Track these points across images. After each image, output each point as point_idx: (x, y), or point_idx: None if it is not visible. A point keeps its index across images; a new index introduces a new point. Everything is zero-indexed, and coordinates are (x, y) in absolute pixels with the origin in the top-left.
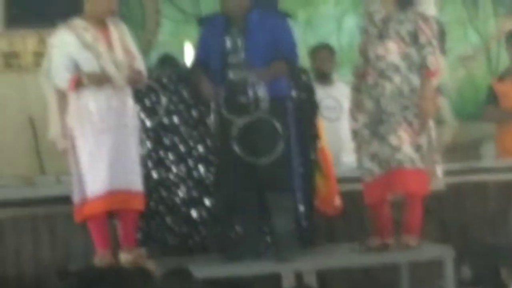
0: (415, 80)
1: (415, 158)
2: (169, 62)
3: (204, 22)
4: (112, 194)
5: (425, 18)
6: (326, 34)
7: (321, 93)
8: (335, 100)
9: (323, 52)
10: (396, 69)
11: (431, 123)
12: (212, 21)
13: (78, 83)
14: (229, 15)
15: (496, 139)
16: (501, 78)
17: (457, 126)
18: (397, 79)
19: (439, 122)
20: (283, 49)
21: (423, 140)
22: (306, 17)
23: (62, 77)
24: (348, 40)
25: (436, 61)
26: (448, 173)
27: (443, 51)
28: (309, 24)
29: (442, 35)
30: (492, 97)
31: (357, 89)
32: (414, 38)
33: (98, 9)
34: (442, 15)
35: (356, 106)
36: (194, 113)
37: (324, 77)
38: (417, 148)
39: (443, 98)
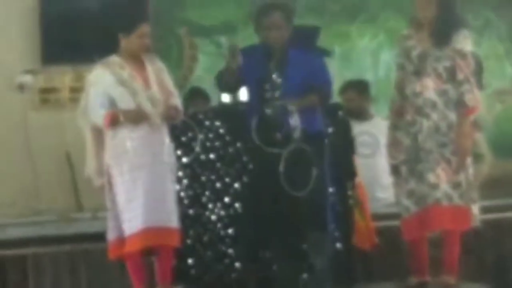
0: (452, 116)
1: (453, 195)
2: (199, 95)
3: (242, 53)
4: (149, 231)
5: (462, 55)
6: (362, 68)
7: (357, 129)
8: (371, 136)
9: (349, 91)
10: (433, 105)
11: (469, 160)
12: (251, 52)
13: (113, 120)
14: (269, 48)
15: None
16: None
17: (494, 161)
18: (434, 115)
19: (476, 157)
20: (317, 84)
21: (461, 177)
22: (342, 51)
23: (97, 114)
24: (385, 74)
25: (475, 98)
26: (486, 210)
27: (481, 86)
28: (346, 59)
29: (480, 70)
30: None
31: (394, 127)
32: (452, 74)
33: (133, 46)
34: (479, 50)
35: (393, 145)
36: (231, 149)
37: (356, 114)
38: (455, 185)
39: (479, 133)
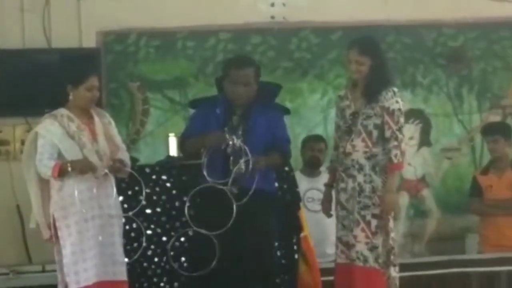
0: (378, 180)
1: (369, 257)
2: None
3: (198, 104)
4: (97, 285)
5: (390, 112)
6: (313, 124)
7: (307, 185)
8: (320, 191)
9: (321, 143)
10: (361, 168)
11: (392, 224)
12: (211, 104)
13: (62, 171)
14: (233, 102)
15: (480, 231)
16: (484, 171)
17: (441, 217)
18: (360, 178)
19: (424, 213)
20: (278, 143)
21: (378, 241)
22: (294, 107)
23: (45, 165)
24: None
25: (401, 154)
26: (432, 265)
27: (428, 143)
28: (297, 114)
29: (427, 127)
30: (476, 190)
31: (329, 185)
32: (381, 132)
33: (81, 99)
34: (427, 108)
35: (327, 201)
36: (177, 203)
37: (313, 168)
38: (372, 247)
39: (427, 189)
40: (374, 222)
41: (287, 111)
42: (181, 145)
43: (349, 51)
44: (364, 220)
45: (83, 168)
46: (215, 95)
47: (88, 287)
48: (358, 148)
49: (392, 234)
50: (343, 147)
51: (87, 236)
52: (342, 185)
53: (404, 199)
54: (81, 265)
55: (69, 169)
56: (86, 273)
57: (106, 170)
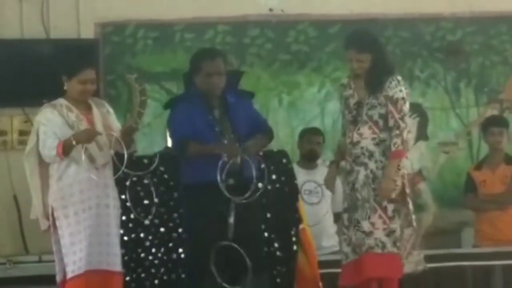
0: None
1: (387, 242)
2: None
3: (174, 103)
4: (91, 274)
5: (394, 101)
6: (310, 117)
7: (303, 177)
8: (317, 184)
9: (317, 136)
10: (371, 155)
11: (411, 207)
12: (190, 101)
13: (66, 147)
14: (208, 95)
15: (475, 226)
16: (479, 166)
17: (438, 211)
18: (371, 165)
19: (420, 206)
20: (259, 125)
21: (396, 225)
22: (290, 100)
23: (49, 147)
24: (332, 123)
25: (402, 142)
26: (426, 258)
27: (425, 137)
28: (294, 107)
29: (424, 121)
30: (471, 185)
31: (336, 162)
32: (386, 121)
33: (74, 91)
34: (425, 102)
35: (331, 177)
36: (176, 194)
37: (310, 161)
38: (390, 232)
39: (424, 183)
40: (390, 207)
41: (252, 95)
42: (179, 148)
43: (347, 51)
44: (381, 206)
45: (88, 137)
46: (187, 92)
47: (80, 275)
48: (366, 135)
49: (413, 216)
50: (350, 137)
51: (84, 226)
52: (353, 175)
53: None
54: (79, 254)
55: (74, 142)
56: (80, 262)
57: (105, 161)
